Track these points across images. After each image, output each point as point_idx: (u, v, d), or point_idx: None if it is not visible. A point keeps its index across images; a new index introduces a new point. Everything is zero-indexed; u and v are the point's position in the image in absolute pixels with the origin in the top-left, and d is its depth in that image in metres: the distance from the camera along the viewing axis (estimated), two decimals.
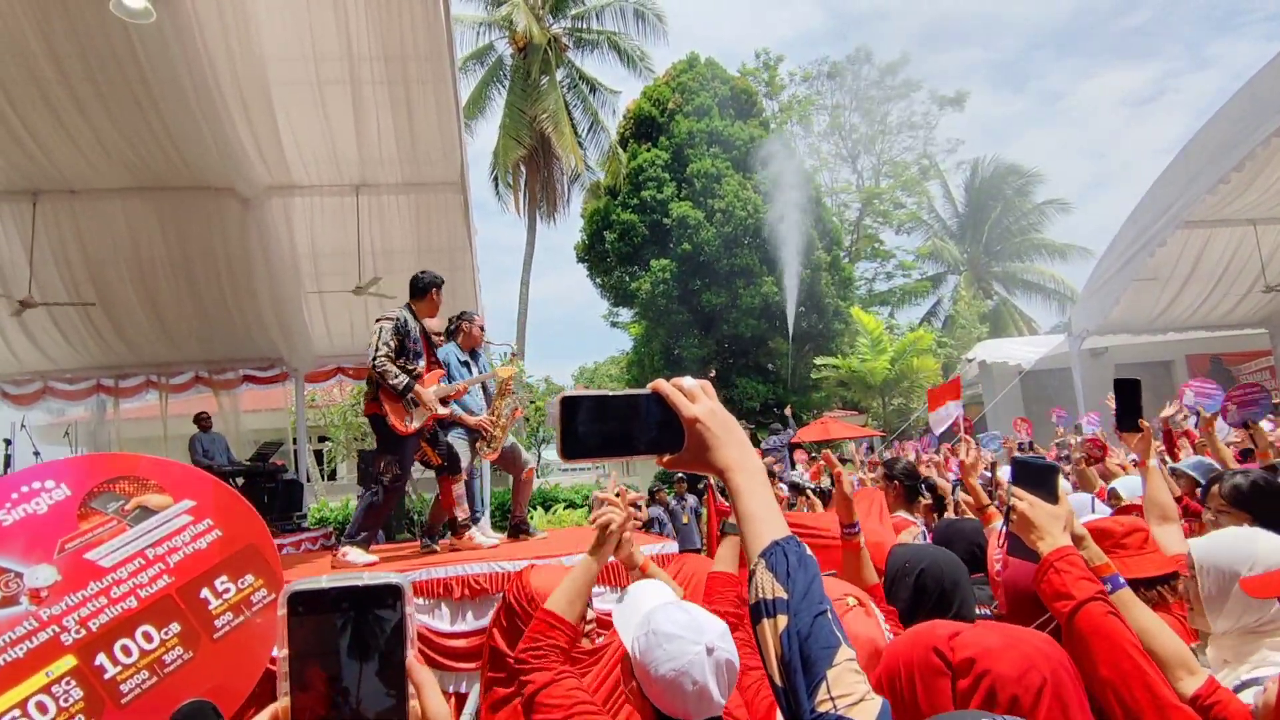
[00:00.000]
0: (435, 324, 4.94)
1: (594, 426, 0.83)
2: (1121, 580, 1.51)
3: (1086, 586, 1.37)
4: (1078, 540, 1.51)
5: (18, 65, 6.16)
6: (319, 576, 0.56)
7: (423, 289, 4.77)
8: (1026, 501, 1.49)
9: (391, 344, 4.46)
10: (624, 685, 1.51)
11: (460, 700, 3.62)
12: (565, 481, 21.25)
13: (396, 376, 4.39)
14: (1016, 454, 4.37)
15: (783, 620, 0.74)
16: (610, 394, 0.84)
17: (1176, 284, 11.50)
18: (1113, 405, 2.56)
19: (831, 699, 0.68)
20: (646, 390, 0.86)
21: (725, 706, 1.39)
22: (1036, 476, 1.55)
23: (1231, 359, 15.79)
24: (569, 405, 0.82)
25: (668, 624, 1.36)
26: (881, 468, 4.17)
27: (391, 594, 0.56)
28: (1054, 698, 1.07)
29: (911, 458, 6.74)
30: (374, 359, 4.40)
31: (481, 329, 5.24)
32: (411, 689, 0.56)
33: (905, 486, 3.69)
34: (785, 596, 0.75)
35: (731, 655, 1.35)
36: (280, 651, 0.55)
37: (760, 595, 0.76)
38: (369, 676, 0.55)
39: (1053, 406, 13.70)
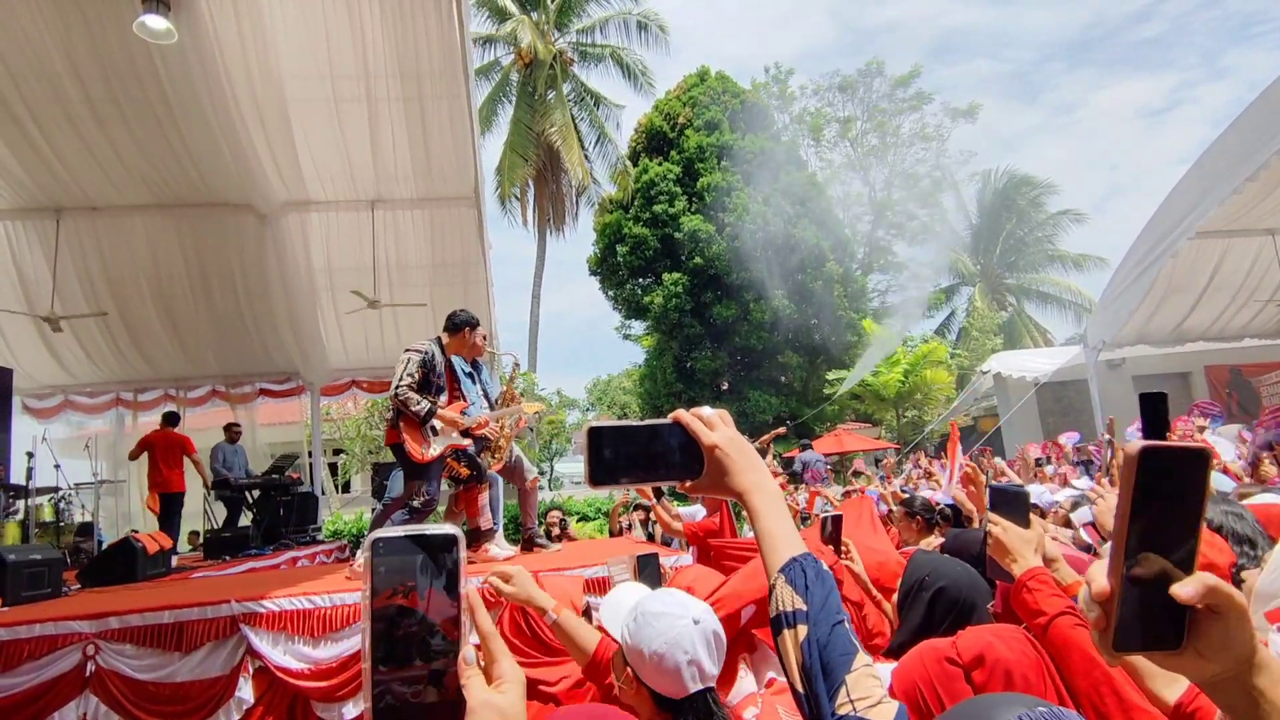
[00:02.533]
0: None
1: (619, 454, 0.89)
2: None
3: (1056, 602, 1.45)
4: (1050, 561, 1.60)
5: (43, 86, 6.30)
6: (394, 528, 0.70)
7: (455, 326, 4.80)
8: (1000, 526, 1.58)
9: (415, 375, 4.50)
10: (616, 680, 1.53)
11: None
12: (578, 495, 21.20)
13: (418, 404, 4.44)
14: (992, 482, 4.36)
15: (803, 630, 0.78)
16: (634, 424, 0.90)
17: (1194, 294, 11.38)
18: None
19: (851, 701, 0.73)
20: (668, 420, 0.92)
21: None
22: (1010, 502, 1.63)
23: (1252, 370, 15.56)
24: (595, 435, 0.88)
25: (655, 605, 1.45)
26: (901, 506, 4.22)
27: (451, 541, 0.70)
28: (1048, 674, 1.30)
29: (918, 469, 6.72)
30: (396, 388, 4.44)
31: (484, 339, 5.28)
32: (466, 609, 0.70)
33: (925, 520, 3.85)
34: (804, 608, 0.79)
35: (718, 627, 1.43)
36: (365, 587, 0.67)
37: (781, 608, 0.81)
38: (438, 591, 0.68)
39: (1067, 420, 13.55)
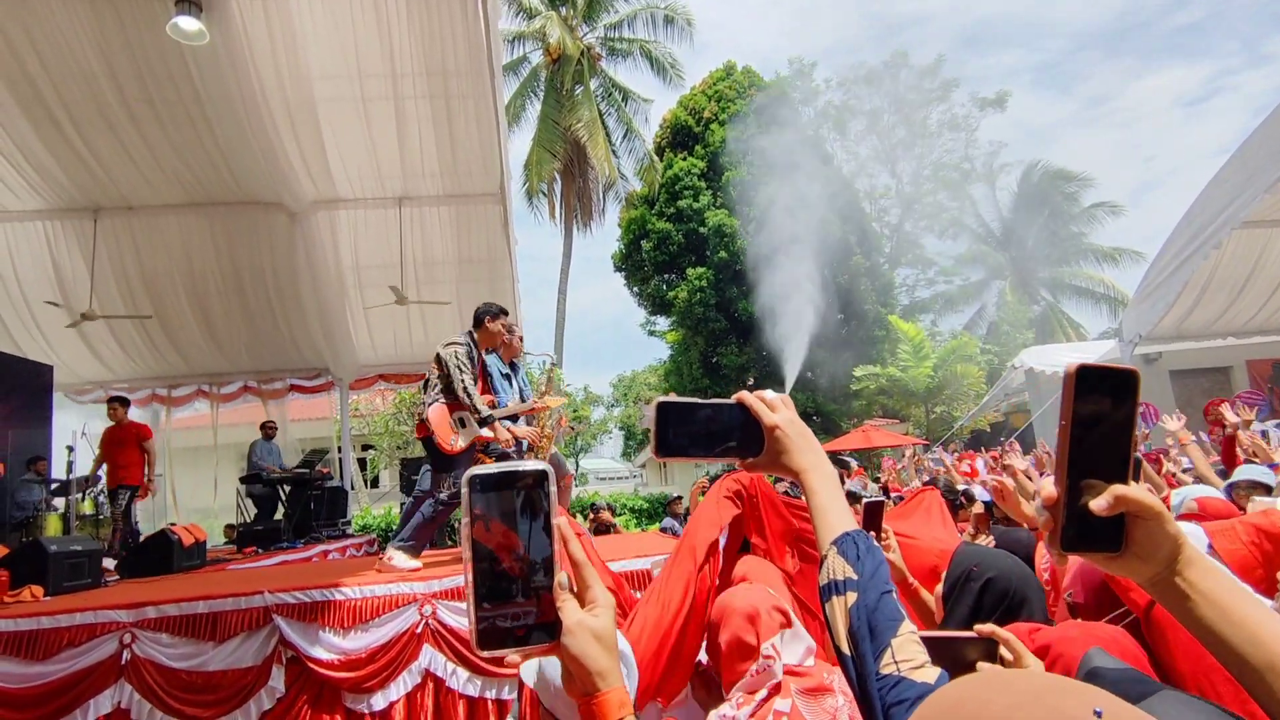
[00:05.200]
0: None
1: (684, 429, 0.92)
2: None
3: None
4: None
5: (80, 88, 6.45)
6: (489, 465, 0.75)
7: (477, 319, 4.83)
8: None
9: (468, 367, 4.53)
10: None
11: (501, 707, 3.64)
12: (604, 490, 21.27)
13: (476, 409, 4.49)
14: None
15: (852, 596, 0.83)
16: (699, 401, 0.93)
17: (1235, 287, 11.07)
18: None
19: (895, 663, 0.77)
20: (731, 400, 0.96)
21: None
22: None
23: None
24: (663, 410, 0.92)
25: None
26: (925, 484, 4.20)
27: (542, 476, 0.75)
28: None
29: (948, 460, 6.67)
30: (462, 388, 4.47)
31: (521, 339, 5.31)
32: (559, 539, 0.76)
33: (948, 501, 3.78)
34: (855, 577, 0.84)
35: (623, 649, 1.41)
36: (464, 519, 0.74)
37: (831, 576, 0.86)
38: (536, 531, 0.75)
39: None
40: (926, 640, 1.15)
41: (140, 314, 8.69)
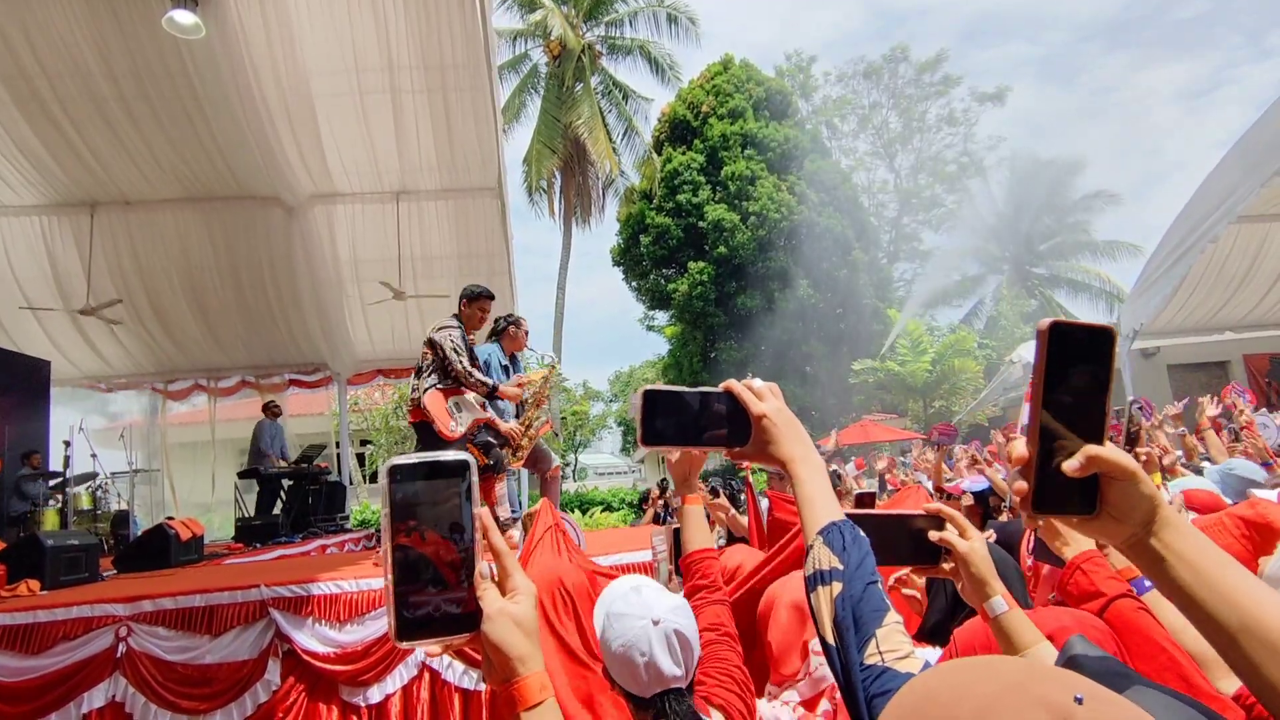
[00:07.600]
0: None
1: (671, 418, 0.91)
2: (1148, 584, 1.48)
3: (1115, 585, 1.38)
4: (1102, 546, 1.51)
5: (77, 83, 6.43)
6: (409, 455, 0.75)
7: (470, 297, 4.85)
8: None
9: (464, 349, 4.58)
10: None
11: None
12: (603, 485, 21.33)
13: (482, 383, 4.55)
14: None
15: (837, 586, 0.82)
16: (687, 390, 0.92)
17: (1233, 281, 11.09)
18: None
19: (880, 653, 0.77)
20: (719, 389, 0.95)
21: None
22: None
23: None
24: (650, 398, 0.91)
25: (620, 605, 1.45)
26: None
27: (464, 466, 0.76)
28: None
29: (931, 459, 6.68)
30: (461, 369, 4.49)
31: (526, 334, 5.32)
32: (480, 529, 0.76)
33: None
34: (840, 567, 0.84)
35: (681, 626, 1.41)
36: (384, 510, 0.73)
37: (817, 566, 0.85)
38: (453, 514, 0.75)
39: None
40: (873, 518, 1.19)
41: (130, 309, 8.67)
